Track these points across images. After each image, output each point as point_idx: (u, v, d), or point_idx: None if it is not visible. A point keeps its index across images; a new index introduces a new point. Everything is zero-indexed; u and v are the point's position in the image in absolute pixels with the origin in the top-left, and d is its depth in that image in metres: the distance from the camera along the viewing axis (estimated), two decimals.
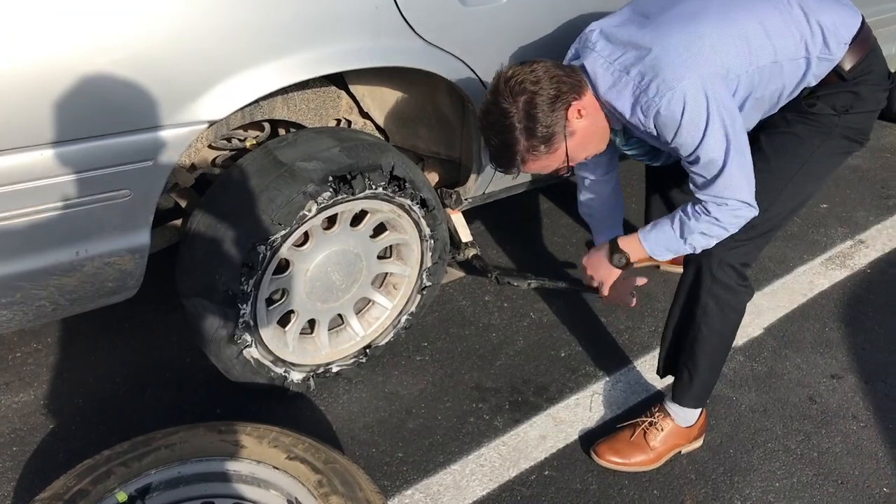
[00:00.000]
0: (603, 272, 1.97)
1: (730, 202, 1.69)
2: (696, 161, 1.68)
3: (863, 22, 1.82)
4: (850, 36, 1.77)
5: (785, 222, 1.93)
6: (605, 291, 2.01)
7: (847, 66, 1.77)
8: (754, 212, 1.72)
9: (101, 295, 1.79)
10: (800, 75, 1.77)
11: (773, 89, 1.78)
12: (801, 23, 1.74)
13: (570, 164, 1.78)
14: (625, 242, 1.90)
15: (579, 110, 1.69)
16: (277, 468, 1.69)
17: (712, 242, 1.77)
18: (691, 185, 1.75)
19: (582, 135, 1.73)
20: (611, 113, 1.75)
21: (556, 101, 1.65)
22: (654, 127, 1.67)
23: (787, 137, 1.85)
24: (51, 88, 1.46)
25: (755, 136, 1.88)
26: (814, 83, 1.80)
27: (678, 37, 1.65)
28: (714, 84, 1.63)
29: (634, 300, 2.06)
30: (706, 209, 1.72)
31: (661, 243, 1.83)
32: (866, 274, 2.89)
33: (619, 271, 1.95)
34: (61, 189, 1.54)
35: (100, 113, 1.53)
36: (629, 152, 1.96)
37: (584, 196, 2.13)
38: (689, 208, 1.76)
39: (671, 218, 1.80)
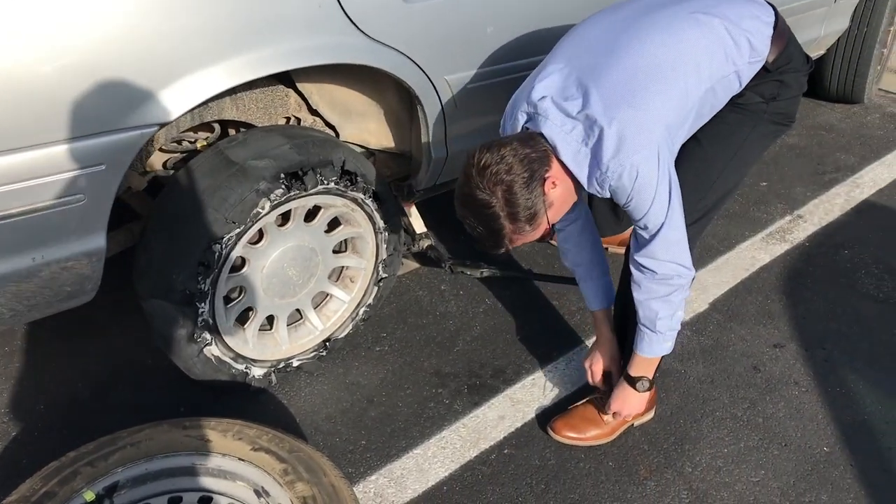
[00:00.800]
0: (636, 403, 2.04)
1: (672, 264, 1.77)
2: (645, 227, 1.75)
3: (776, 15, 1.90)
4: (770, 32, 1.84)
5: (721, 206, 2.02)
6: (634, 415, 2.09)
7: (769, 59, 1.85)
8: (690, 274, 1.80)
9: (60, 300, 1.81)
10: (734, 87, 1.85)
11: (708, 110, 1.85)
12: (726, 41, 1.77)
13: (554, 230, 1.86)
14: (635, 369, 1.99)
15: (553, 182, 1.68)
16: (243, 459, 1.73)
17: (675, 299, 1.83)
18: (633, 252, 1.81)
19: (559, 202, 1.73)
20: (574, 172, 1.74)
21: (532, 182, 1.63)
22: (609, 194, 1.71)
23: (720, 127, 1.92)
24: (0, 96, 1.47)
25: None
26: (746, 84, 1.86)
27: (627, 112, 1.64)
28: (665, 143, 1.67)
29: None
30: (651, 275, 1.79)
31: (651, 343, 1.91)
32: (805, 247, 3.02)
33: (647, 394, 2.03)
34: (15, 196, 1.56)
35: (51, 119, 1.55)
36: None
37: (563, 244, 2.14)
38: (634, 286, 1.84)
39: (638, 324, 1.90)
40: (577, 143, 1.67)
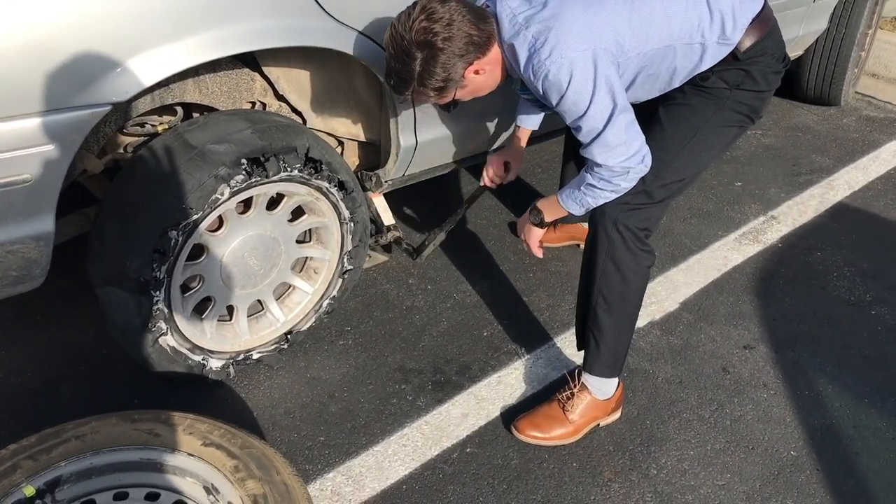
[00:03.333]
0: (525, 230, 2.13)
1: (613, 166, 1.77)
2: (579, 129, 1.77)
3: (764, 5, 1.89)
4: (748, 20, 1.84)
5: (681, 189, 2.00)
6: (532, 249, 2.15)
7: (743, 47, 1.85)
8: (642, 168, 1.80)
9: (6, 284, 1.74)
10: (695, 59, 1.85)
11: (666, 67, 1.86)
12: (701, 8, 1.81)
13: (453, 106, 1.92)
14: (541, 202, 2.07)
15: (477, 70, 1.78)
16: (193, 455, 1.67)
17: (609, 196, 1.85)
18: (580, 149, 1.83)
19: (472, 87, 1.84)
20: (511, 59, 1.80)
21: (459, 60, 1.73)
22: (542, 89, 1.73)
23: (682, 108, 1.94)
24: None
25: (654, 108, 1.96)
26: (710, 65, 1.87)
27: (581, 8, 1.71)
28: (605, 59, 1.69)
29: (541, 252, 2.19)
30: (593, 167, 1.81)
31: (569, 197, 1.92)
32: (778, 248, 2.99)
33: (539, 229, 2.09)
34: None
35: None
36: (525, 97, 2.03)
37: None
38: (587, 166, 1.85)
39: (579, 175, 1.90)
40: (521, 24, 1.73)
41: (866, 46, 4.29)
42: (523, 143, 2.42)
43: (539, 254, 2.18)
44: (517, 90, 1.99)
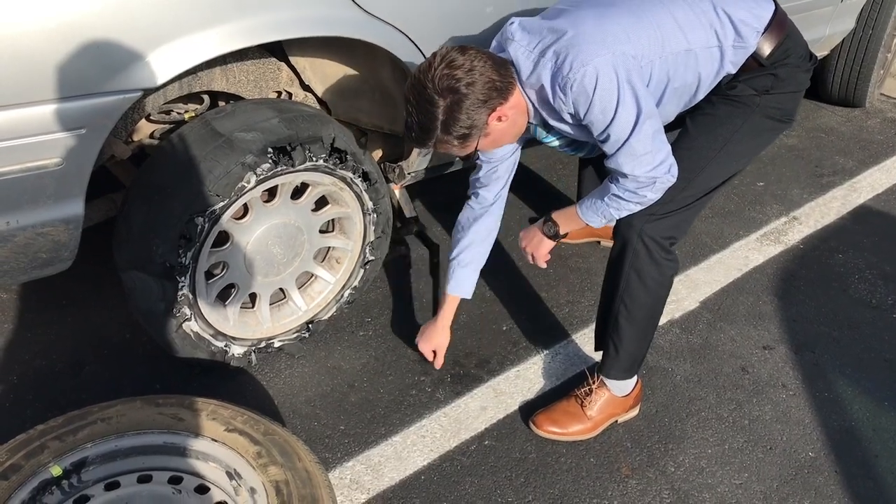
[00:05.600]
0: (535, 241, 2.07)
1: (640, 176, 1.75)
2: (607, 139, 1.75)
3: (776, 10, 1.88)
4: (762, 25, 1.83)
5: (708, 199, 1.97)
6: (538, 261, 2.11)
7: (765, 53, 1.85)
8: (669, 178, 1.78)
9: (35, 266, 1.76)
10: (716, 65, 1.84)
11: (691, 79, 1.85)
12: (709, 14, 1.81)
13: (477, 156, 1.92)
14: (557, 214, 2.00)
15: (500, 117, 1.76)
16: (216, 440, 1.68)
17: (634, 208, 1.83)
18: (605, 161, 1.81)
19: (495, 136, 1.81)
20: (536, 98, 1.79)
21: (482, 107, 1.70)
22: (571, 104, 1.72)
23: (710, 118, 1.92)
24: None
25: (682, 118, 1.96)
26: (732, 70, 1.86)
27: (593, 22, 1.72)
28: (626, 63, 1.69)
29: (546, 264, 2.16)
30: (619, 178, 1.79)
31: (590, 209, 1.90)
32: (799, 249, 2.98)
33: (550, 242, 2.05)
34: None
35: (31, 79, 1.49)
36: (551, 144, 2.01)
37: (468, 211, 2.19)
38: (611, 176, 1.83)
39: (601, 186, 1.87)
40: (538, 55, 1.72)
41: (893, 48, 4.24)
42: (451, 314, 2.24)
43: (545, 265, 2.14)
44: (542, 138, 1.98)
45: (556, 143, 1.99)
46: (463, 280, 2.19)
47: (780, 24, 1.87)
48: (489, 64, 1.69)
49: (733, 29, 1.81)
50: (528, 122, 1.89)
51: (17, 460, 1.59)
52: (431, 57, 1.71)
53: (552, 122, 1.86)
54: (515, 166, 2.13)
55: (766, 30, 1.84)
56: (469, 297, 2.20)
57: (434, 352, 2.23)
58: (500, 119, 1.76)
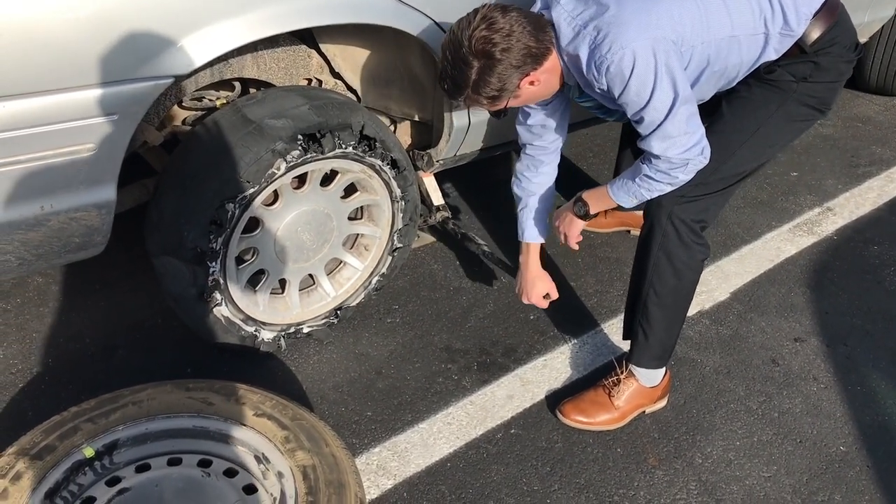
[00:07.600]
0: (566, 221, 2.07)
1: (672, 157, 1.74)
2: (641, 121, 1.74)
3: None
4: (811, 11, 1.79)
5: (738, 186, 1.96)
6: (570, 241, 2.11)
7: (810, 40, 1.81)
8: (701, 160, 1.76)
9: (68, 251, 1.78)
10: (758, 51, 1.82)
11: (733, 64, 1.82)
12: (762, 2, 1.77)
13: (503, 114, 1.90)
14: (588, 193, 2.00)
15: (532, 81, 1.76)
16: (245, 425, 1.70)
17: (665, 188, 1.82)
18: (638, 141, 1.80)
19: (525, 97, 1.82)
20: (571, 65, 1.77)
21: (515, 71, 1.70)
22: (606, 83, 1.71)
23: (745, 101, 1.90)
24: (14, 41, 1.44)
25: (716, 100, 1.93)
26: (774, 57, 1.83)
27: (637, 3, 1.68)
28: (665, 48, 1.66)
29: (577, 245, 2.15)
30: (651, 158, 1.78)
31: (622, 189, 1.89)
32: (832, 241, 2.93)
33: (581, 222, 2.04)
34: (24, 142, 1.53)
35: (63, 66, 1.51)
36: (583, 104, 1.99)
37: (523, 166, 2.16)
38: (643, 156, 1.82)
39: (633, 166, 1.86)
40: (579, 26, 1.70)
41: None
42: (537, 260, 2.24)
43: (576, 247, 2.14)
44: (574, 98, 1.96)
45: (589, 104, 1.97)
46: (536, 225, 2.18)
47: (831, 9, 1.82)
48: (528, 30, 1.68)
49: (782, 16, 1.77)
50: (564, 83, 1.88)
51: (51, 441, 1.62)
52: (473, 13, 1.70)
53: (583, 88, 1.85)
54: (568, 114, 2.10)
55: (816, 14, 1.80)
56: (544, 240, 2.21)
57: (546, 295, 2.24)
58: (532, 83, 1.76)
